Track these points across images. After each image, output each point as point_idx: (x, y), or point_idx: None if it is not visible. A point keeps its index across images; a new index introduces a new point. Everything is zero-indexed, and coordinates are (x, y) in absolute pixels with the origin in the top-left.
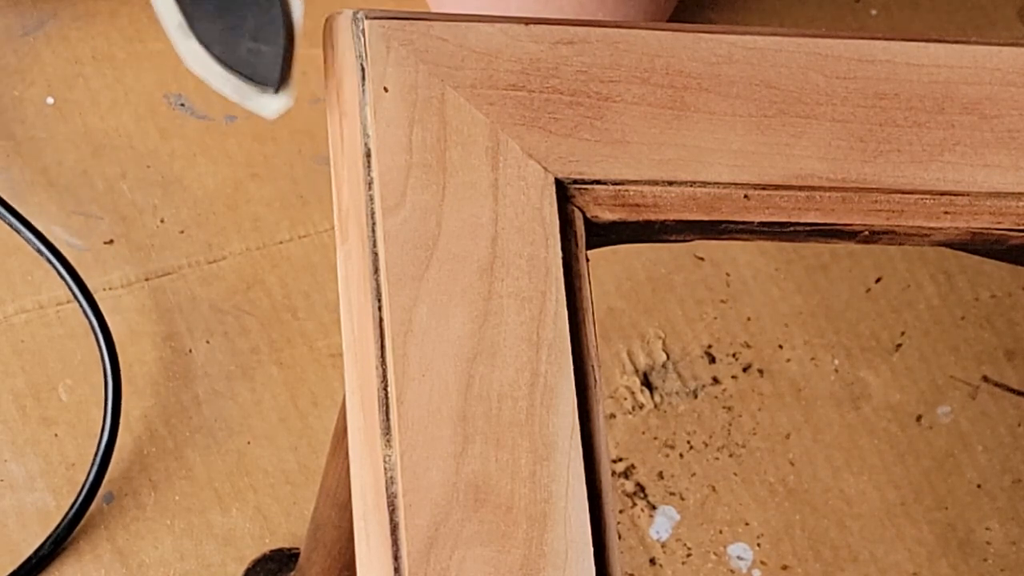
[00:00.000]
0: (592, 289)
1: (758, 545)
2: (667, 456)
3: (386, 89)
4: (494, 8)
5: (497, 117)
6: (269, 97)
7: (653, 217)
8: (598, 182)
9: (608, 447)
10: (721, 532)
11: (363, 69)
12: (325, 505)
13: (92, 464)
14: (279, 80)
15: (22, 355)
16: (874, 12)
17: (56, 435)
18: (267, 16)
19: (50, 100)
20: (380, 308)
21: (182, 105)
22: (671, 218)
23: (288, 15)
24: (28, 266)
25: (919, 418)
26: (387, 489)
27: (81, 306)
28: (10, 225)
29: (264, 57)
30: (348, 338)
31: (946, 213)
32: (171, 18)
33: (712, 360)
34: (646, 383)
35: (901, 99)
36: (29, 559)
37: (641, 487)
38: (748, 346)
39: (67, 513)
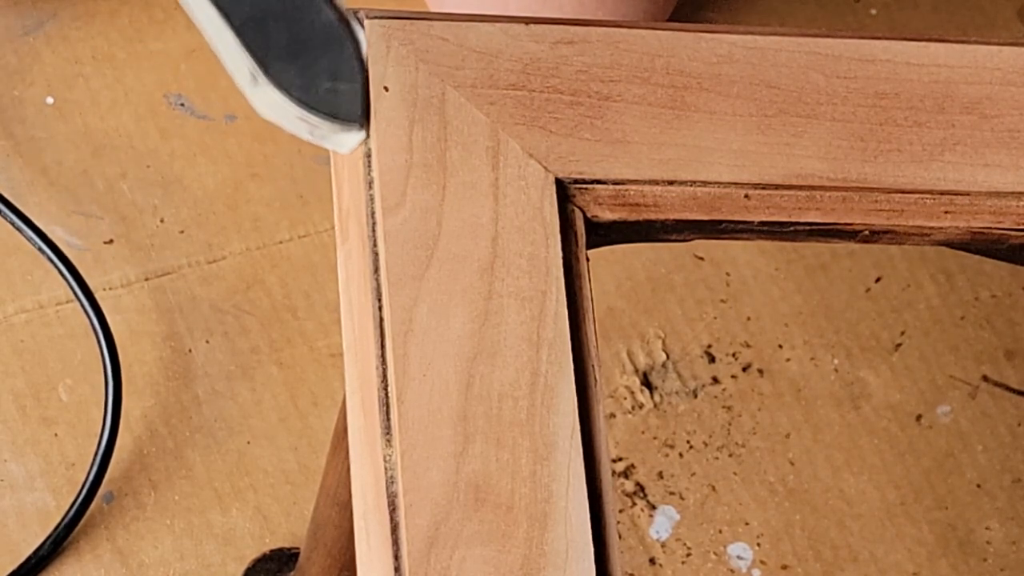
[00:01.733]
0: (592, 289)
1: (758, 545)
2: (667, 456)
3: (386, 88)
4: (493, 8)
5: (497, 117)
6: (345, 135)
7: (653, 217)
8: (598, 182)
9: (608, 447)
10: (721, 532)
11: None
12: (325, 505)
13: (92, 464)
14: (362, 116)
15: (22, 355)
16: (874, 12)
17: (56, 435)
18: (342, 54)
19: (50, 100)
20: (380, 308)
21: (182, 105)
22: (671, 218)
23: (359, 49)
24: (28, 266)
25: (919, 418)
26: (387, 489)
27: (82, 305)
28: (11, 223)
29: (344, 95)
30: (348, 338)
31: (946, 213)
32: (242, 66)
33: (712, 360)
34: (646, 383)
35: (901, 99)
36: (29, 559)
37: (641, 487)
38: (748, 346)
39: (67, 513)
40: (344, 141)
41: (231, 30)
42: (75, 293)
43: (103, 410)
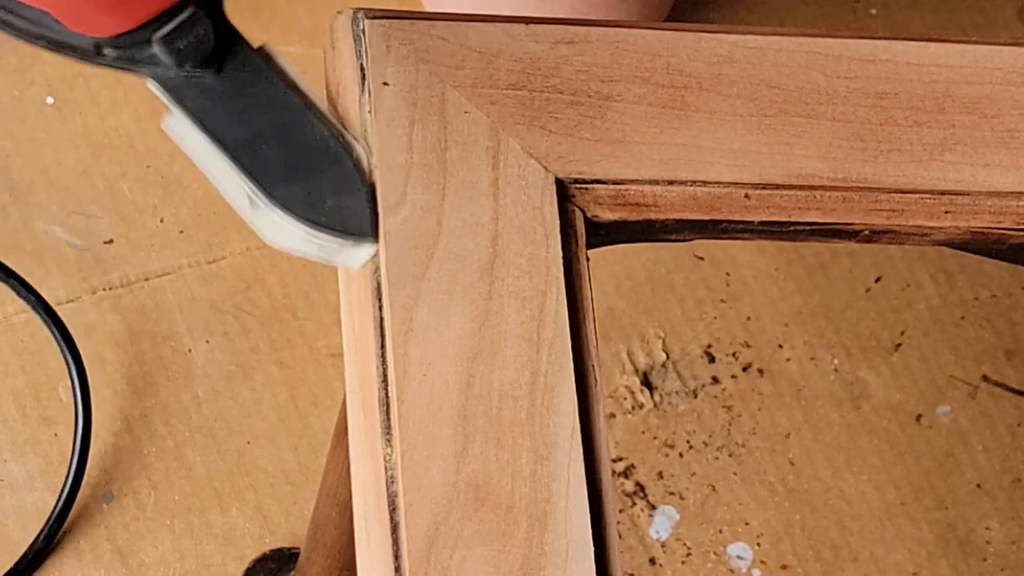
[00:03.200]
0: (592, 289)
1: (758, 545)
2: (667, 456)
3: (386, 84)
4: (488, 8)
5: (498, 116)
6: (357, 248)
7: (653, 216)
8: (598, 181)
9: (608, 447)
10: (721, 532)
11: (363, 69)
12: (325, 505)
13: (72, 453)
14: (372, 228)
15: (22, 355)
16: (874, 12)
17: (56, 435)
18: (341, 169)
19: (50, 100)
20: (380, 307)
21: None
22: (671, 217)
23: (359, 162)
24: (28, 266)
25: (919, 418)
26: (387, 488)
27: (41, 317)
28: None
29: (350, 210)
30: (348, 338)
31: (947, 212)
32: (240, 191)
33: (712, 360)
34: (646, 383)
35: (901, 99)
36: (24, 555)
37: (641, 487)
38: (748, 346)
39: (55, 505)
40: (355, 256)
41: (225, 155)
42: (33, 308)
43: (74, 410)
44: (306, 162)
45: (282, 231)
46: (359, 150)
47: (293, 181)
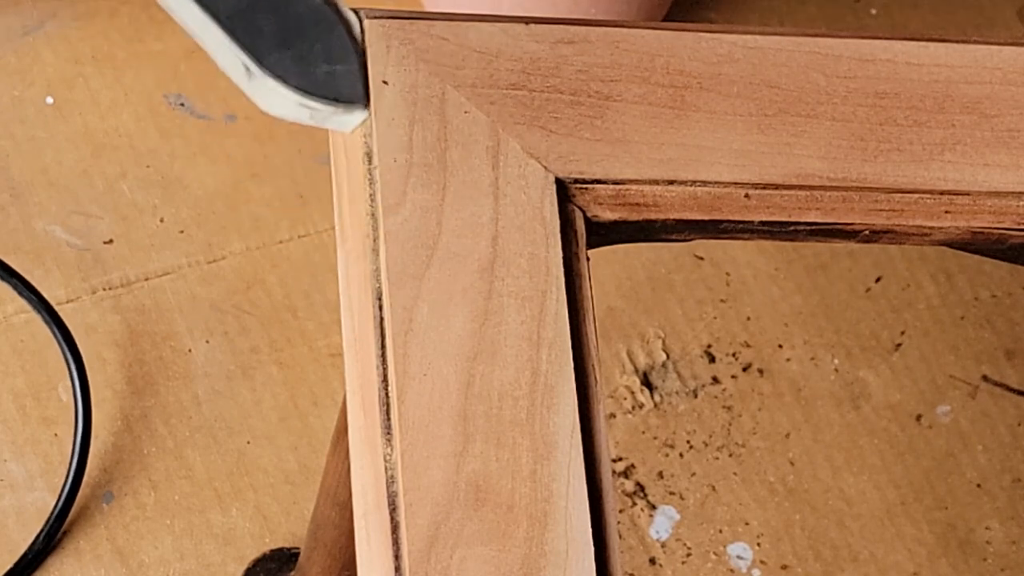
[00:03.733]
0: (592, 289)
1: (758, 545)
2: (667, 456)
3: (386, 83)
4: (487, 8)
5: (498, 116)
6: (348, 114)
7: (654, 216)
8: (598, 181)
9: (608, 447)
10: (721, 532)
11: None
12: (325, 505)
13: (73, 449)
14: (363, 95)
15: (22, 355)
16: (874, 11)
17: (56, 435)
18: (333, 37)
19: (50, 100)
20: (380, 307)
21: (182, 105)
22: (672, 217)
23: (351, 30)
24: (28, 266)
25: (919, 418)
26: (388, 488)
27: (44, 318)
28: None
29: (342, 77)
30: (348, 338)
31: (947, 212)
32: (234, 60)
33: (712, 360)
34: (646, 383)
35: (901, 98)
36: (25, 555)
37: (641, 487)
38: (748, 346)
39: (55, 505)
40: (346, 122)
41: (218, 25)
42: (34, 307)
43: (74, 411)
44: (298, 31)
45: (276, 99)
46: (350, 18)
47: (286, 49)
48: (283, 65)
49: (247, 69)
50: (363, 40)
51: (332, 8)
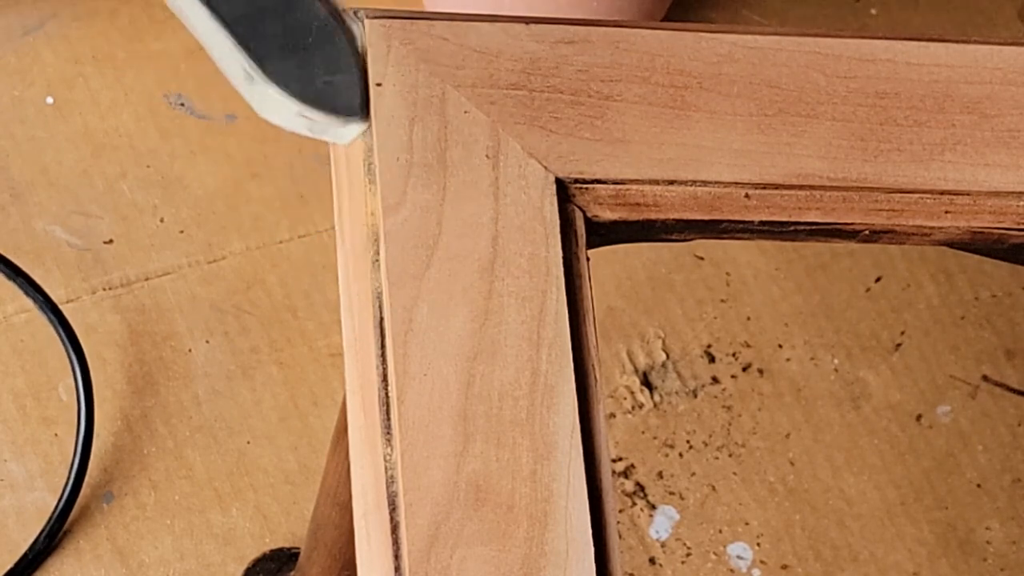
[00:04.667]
0: (592, 289)
1: (758, 545)
2: (667, 456)
3: (379, 84)
4: (488, 8)
5: (498, 116)
6: (346, 126)
7: (654, 216)
8: (599, 181)
9: (608, 447)
10: (721, 532)
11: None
12: (325, 505)
13: (75, 448)
14: (361, 107)
15: (22, 355)
16: (874, 11)
17: (56, 435)
18: (335, 46)
19: (50, 100)
20: (380, 307)
21: (182, 105)
22: (672, 217)
23: (353, 41)
24: (28, 265)
25: (919, 418)
26: (388, 488)
27: (49, 317)
28: None
29: (341, 87)
30: (348, 337)
31: (947, 212)
32: (236, 64)
33: (712, 360)
34: (646, 383)
35: (902, 98)
36: (25, 555)
37: (641, 487)
38: (748, 346)
39: (56, 505)
40: (343, 134)
41: (224, 29)
42: (38, 304)
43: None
44: (302, 39)
45: (274, 106)
46: (353, 30)
47: (288, 57)
48: (284, 72)
49: (248, 74)
50: (364, 49)
51: (336, 19)
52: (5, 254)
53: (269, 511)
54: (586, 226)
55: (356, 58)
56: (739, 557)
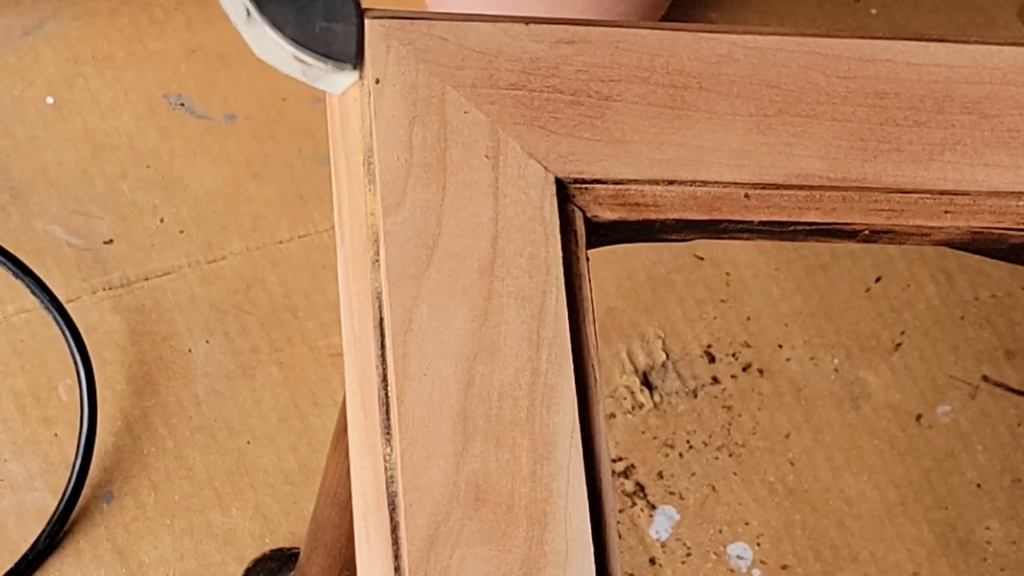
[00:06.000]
0: (592, 289)
1: (758, 545)
2: (667, 456)
3: (377, 81)
4: (491, 8)
5: (497, 116)
6: (338, 74)
7: (653, 216)
8: (598, 181)
9: (608, 447)
10: (721, 532)
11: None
12: (325, 505)
13: (77, 449)
14: (356, 56)
15: (22, 355)
16: (874, 11)
17: (56, 435)
18: None
19: (50, 100)
20: (380, 307)
21: (182, 105)
22: (671, 217)
23: None
24: (28, 265)
25: (919, 418)
26: (387, 488)
27: (53, 316)
28: None
29: (339, 35)
30: (348, 337)
31: (946, 212)
32: (237, 5)
33: (712, 360)
34: (646, 383)
35: (901, 98)
36: (25, 555)
37: (641, 487)
38: (748, 346)
39: (57, 507)
40: (337, 81)
41: None
42: (43, 304)
43: (79, 408)
44: None
45: (271, 47)
46: None
47: (288, 2)
48: (283, 15)
49: (248, 12)
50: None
51: None
52: None
53: (269, 511)
54: (586, 226)
55: (355, 7)
56: (739, 557)
